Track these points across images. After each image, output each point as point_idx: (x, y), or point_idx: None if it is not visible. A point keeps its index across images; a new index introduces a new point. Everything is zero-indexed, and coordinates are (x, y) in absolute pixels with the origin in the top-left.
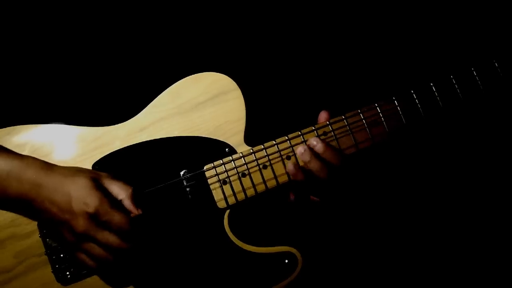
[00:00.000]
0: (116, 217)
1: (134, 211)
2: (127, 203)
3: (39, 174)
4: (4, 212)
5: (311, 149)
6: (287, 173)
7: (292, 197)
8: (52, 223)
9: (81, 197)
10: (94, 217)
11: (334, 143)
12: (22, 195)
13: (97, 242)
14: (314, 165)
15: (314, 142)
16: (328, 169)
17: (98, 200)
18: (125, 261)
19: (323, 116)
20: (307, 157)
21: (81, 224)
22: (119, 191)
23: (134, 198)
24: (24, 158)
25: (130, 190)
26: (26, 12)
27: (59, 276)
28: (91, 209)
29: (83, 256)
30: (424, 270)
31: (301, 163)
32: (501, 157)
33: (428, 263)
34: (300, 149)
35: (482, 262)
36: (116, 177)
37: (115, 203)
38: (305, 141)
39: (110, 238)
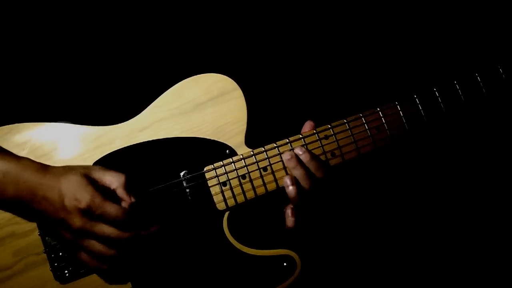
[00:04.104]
0: (110, 209)
1: (127, 199)
2: (120, 192)
3: (36, 177)
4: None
5: (297, 157)
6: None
7: (291, 223)
8: (51, 224)
9: (72, 193)
10: (87, 212)
11: (334, 146)
12: (19, 197)
13: (95, 237)
14: (298, 173)
15: (300, 151)
16: (311, 180)
17: (89, 194)
18: (127, 255)
19: (307, 126)
20: (292, 164)
21: (76, 220)
22: (112, 180)
23: (126, 186)
24: (20, 160)
25: (122, 178)
26: (29, 10)
27: (58, 274)
28: (83, 205)
29: (84, 256)
30: (424, 273)
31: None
32: (505, 162)
33: (429, 267)
34: (286, 156)
35: (483, 263)
36: (107, 166)
37: (109, 194)
38: (292, 149)
39: (107, 230)
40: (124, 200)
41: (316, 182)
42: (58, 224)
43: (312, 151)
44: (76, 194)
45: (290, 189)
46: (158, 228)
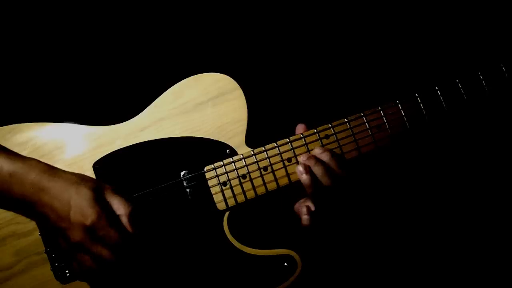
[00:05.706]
0: (112, 234)
1: (130, 229)
2: (124, 220)
3: (42, 178)
4: (5, 210)
5: (315, 156)
6: (287, 175)
7: (306, 220)
8: (50, 228)
9: (80, 208)
10: (90, 230)
11: (335, 145)
12: (24, 197)
13: (90, 254)
14: (318, 170)
15: (319, 151)
16: (331, 176)
17: (96, 213)
18: (116, 273)
19: (299, 129)
20: (311, 162)
21: (76, 235)
22: (119, 206)
23: (131, 216)
24: (26, 160)
25: (129, 208)
26: (31, 10)
27: (58, 274)
28: (88, 222)
29: (75, 265)
30: (425, 273)
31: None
32: (506, 162)
33: (430, 267)
34: (303, 157)
35: (484, 264)
36: (118, 189)
37: (113, 218)
38: (308, 150)
39: (104, 252)
40: (127, 229)
41: (337, 180)
42: (57, 232)
43: None
44: (84, 209)
45: (305, 177)
46: (157, 243)
